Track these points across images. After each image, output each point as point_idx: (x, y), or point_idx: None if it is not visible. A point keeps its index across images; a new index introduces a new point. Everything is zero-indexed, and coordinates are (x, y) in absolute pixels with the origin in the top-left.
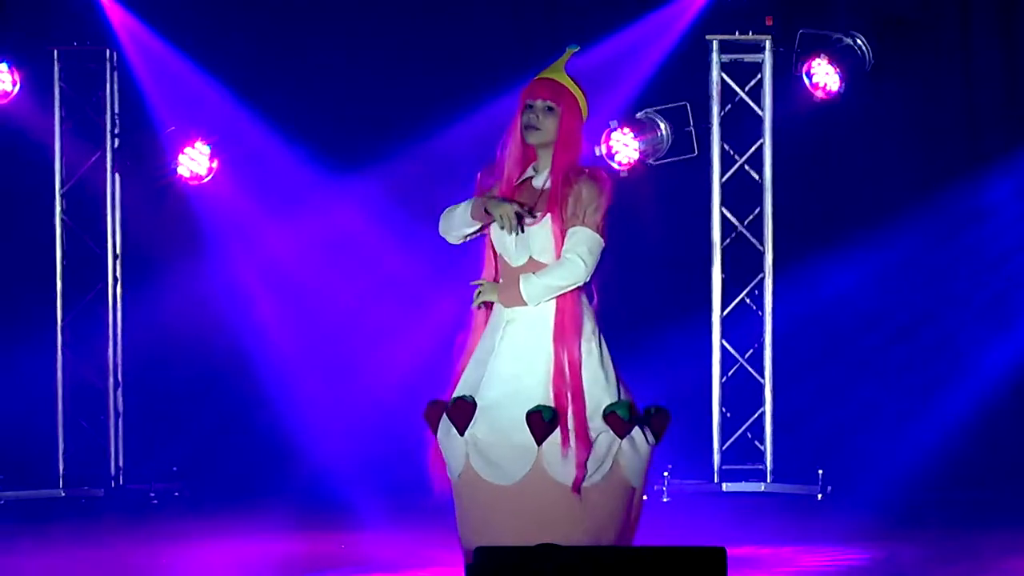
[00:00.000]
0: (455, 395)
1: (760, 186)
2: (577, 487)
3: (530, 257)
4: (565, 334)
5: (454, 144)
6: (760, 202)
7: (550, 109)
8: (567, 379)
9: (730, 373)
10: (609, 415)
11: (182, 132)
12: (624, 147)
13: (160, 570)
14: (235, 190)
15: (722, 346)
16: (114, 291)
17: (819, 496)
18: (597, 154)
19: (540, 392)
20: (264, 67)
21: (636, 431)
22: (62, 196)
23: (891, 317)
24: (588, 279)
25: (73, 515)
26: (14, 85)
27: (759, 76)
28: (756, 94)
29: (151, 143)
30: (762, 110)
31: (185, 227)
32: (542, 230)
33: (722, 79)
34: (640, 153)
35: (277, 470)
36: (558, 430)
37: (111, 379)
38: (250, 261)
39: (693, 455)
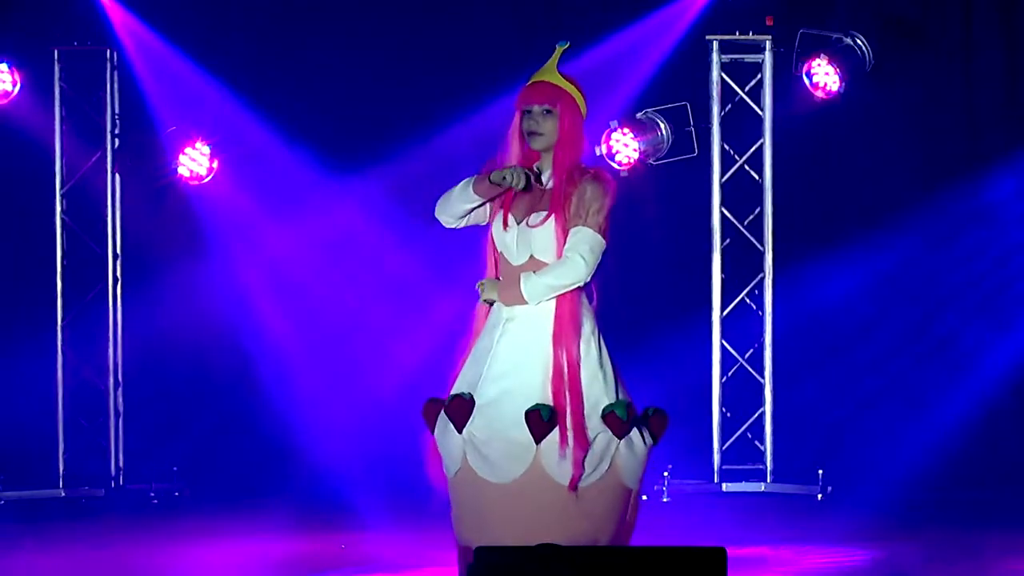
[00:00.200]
0: (453, 392)
1: (760, 186)
2: (574, 486)
3: (531, 256)
4: (564, 334)
5: (454, 144)
6: (760, 202)
7: (548, 112)
8: (566, 379)
9: (730, 373)
10: (608, 415)
11: (182, 132)
12: (624, 147)
13: (160, 570)
14: (235, 190)
15: (722, 346)
16: (114, 291)
17: (819, 496)
18: (597, 154)
19: (538, 391)
20: (264, 67)
21: (634, 432)
22: (62, 196)
23: (891, 317)
24: (589, 279)
25: (73, 515)
26: (14, 85)
27: (759, 76)
28: (756, 94)
29: (151, 143)
30: (762, 110)
31: (185, 227)
32: (545, 229)
33: (722, 79)
34: (640, 153)
35: (277, 470)
36: (556, 429)
37: (111, 379)
38: (250, 261)
39: (693, 455)
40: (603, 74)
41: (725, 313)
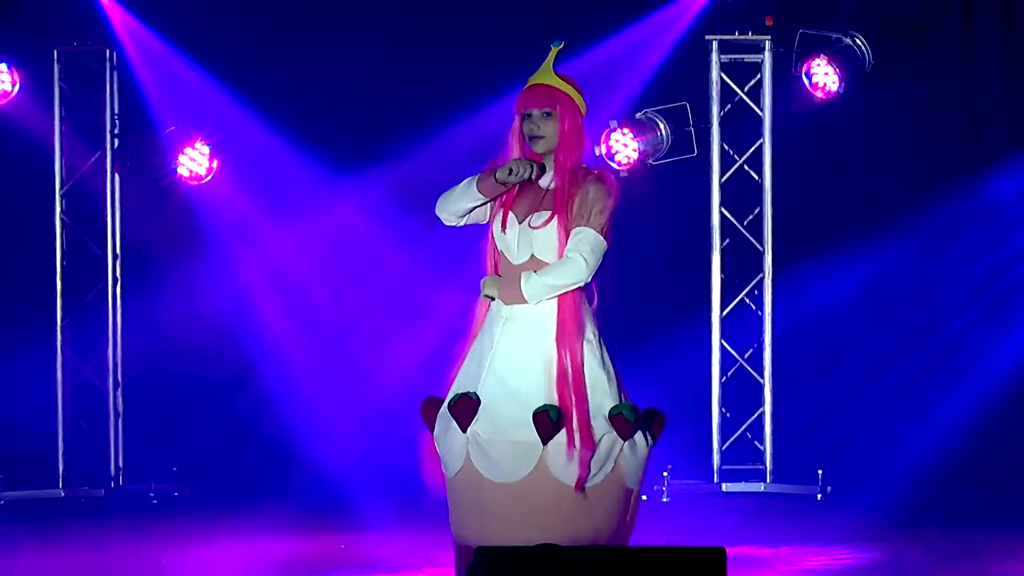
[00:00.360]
0: (455, 391)
1: (760, 186)
2: (580, 486)
3: (532, 255)
4: (567, 335)
5: (454, 144)
6: (760, 202)
7: (548, 115)
8: (570, 380)
9: (730, 373)
10: (615, 416)
11: (182, 132)
12: (624, 147)
13: (160, 570)
14: (235, 190)
15: (722, 346)
16: (114, 291)
17: (819, 496)
18: (597, 154)
19: (540, 391)
20: (264, 67)
21: (637, 433)
22: (62, 196)
23: (890, 317)
24: (589, 280)
25: (73, 515)
26: (14, 85)
27: (759, 76)
28: (756, 94)
29: (151, 143)
30: (762, 110)
31: (185, 227)
32: (547, 229)
33: (722, 79)
34: (640, 153)
35: (277, 470)
36: (563, 430)
37: (111, 379)
38: (250, 261)
39: (693, 455)
40: (603, 74)
41: (725, 313)
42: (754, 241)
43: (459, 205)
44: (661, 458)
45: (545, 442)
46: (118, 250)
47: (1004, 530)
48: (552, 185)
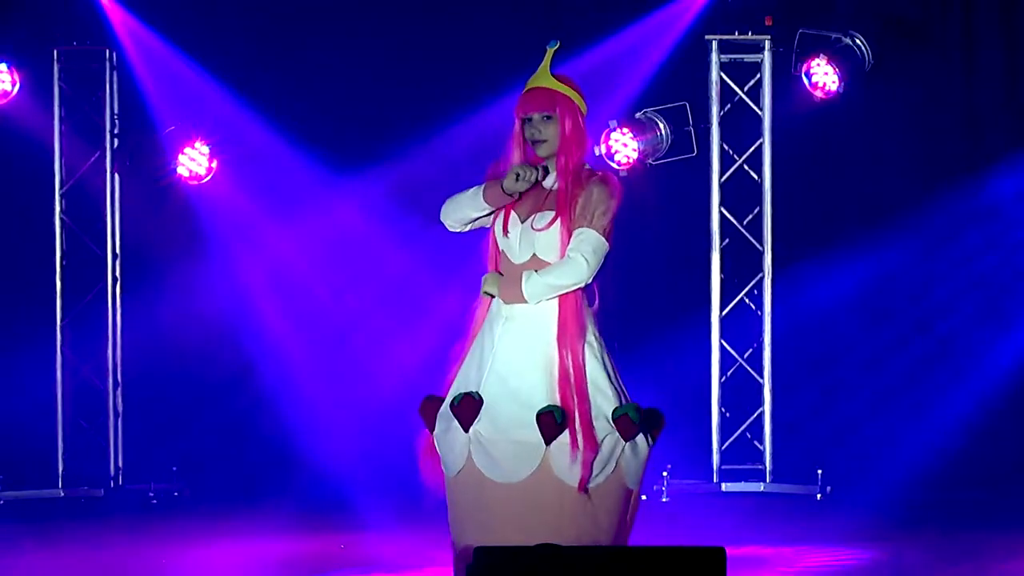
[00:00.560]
0: (455, 391)
1: (759, 186)
2: (583, 487)
3: (534, 254)
4: (569, 335)
5: (454, 144)
6: (759, 202)
7: (548, 118)
8: (572, 381)
9: (729, 373)
10: (620, 418)
11: (182, 132)
12: (623, 147)
13: (160, 570)
14: (234, 190)
15: (721, 346)
16: (114, 291)
17: (818, 496)
18: (597, 154)
19: (541, 391)
20: (264, 67)
21: (639, 434)
22: (62, 196)
23: (891, 317)
24: (590, 280)
25: (73, 515)
26: (14, 85)
27: (758, 76)
28: (755, 94)
29: (151, 143)
30: (761, 110)
31: (184, 227)
32: (550, 229)
33: (721, 79)
34: (639, 153)
35: (277, 470)
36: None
37: (111, 379)
38: (249, 261)
39: (692, 455)
40: (603, 74)
41: (724, 313)
42: (754, 241)
43: (465, 214)
44: (661, 458)
45: (548, 443)
46: (118, 250)
47: (1004, 530)
48: (555, 186)
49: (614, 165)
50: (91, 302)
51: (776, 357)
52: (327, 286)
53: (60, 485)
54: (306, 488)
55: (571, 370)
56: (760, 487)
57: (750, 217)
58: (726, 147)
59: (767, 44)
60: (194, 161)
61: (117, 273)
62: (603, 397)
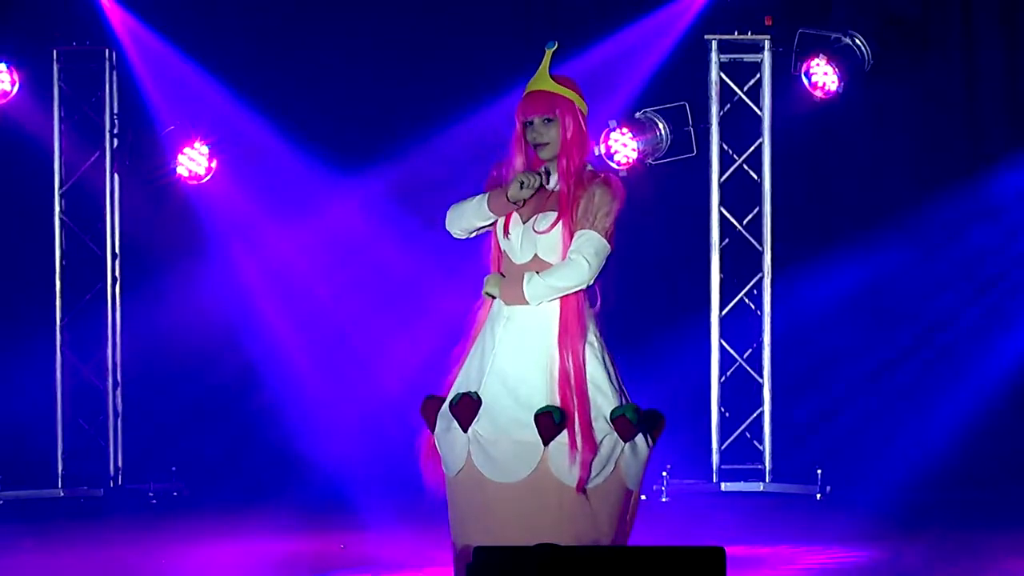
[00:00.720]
0: (455, 391)
1: (759, 186)
2: (582, 487)
3: (535, 255)
4: (570, 336)
5: (454, 144)
6: (759, 202)
7: (549, 120)
8: (572, 382)
9: (729, 373)
10: (618, 418)
11: (181, 132)
12: (623, 147)
13: (159, 570)
14: (234, 190)
15: (721, 346)
16: (113, 291)
17: (818, 496)
18: (596, 153)
19: (541, 391)
20: (264, 67)
21: (638, 435)
22: (61, 196)
23: (890, 317)
24: (592, 282)
25: (73, 515)
26: (14, 85)
27: (758, 76)
28: (755, 94)
29: (150, 143)
30: (761, 110)
31: (184, 227)
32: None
33: (721, 79)
34: (639, 153)
35: (277, 470)
36: (564, 431)
37: (111, 379)
38: (249, 261)
39: (692, 455)
40: (602, 74)
41: (724, 313)
42: (753, 241)
43: (470, 223)
44: (660, 458)
45: (546, 443)
46: (117, 250)
47: (1004, 530)
48: (557, 188)
49: (614, 165)
50: (91, 302)
51: (776, 357)
52: (327, 286)
53: (60, 485)
54: (306, 488)
55: (571, 371)
56: (760, 487)
57: (750, 217)
58: (726, 147)
59: (767, 44)
60: (193, 161)
61: (117, 273)
62: (603, 398)
